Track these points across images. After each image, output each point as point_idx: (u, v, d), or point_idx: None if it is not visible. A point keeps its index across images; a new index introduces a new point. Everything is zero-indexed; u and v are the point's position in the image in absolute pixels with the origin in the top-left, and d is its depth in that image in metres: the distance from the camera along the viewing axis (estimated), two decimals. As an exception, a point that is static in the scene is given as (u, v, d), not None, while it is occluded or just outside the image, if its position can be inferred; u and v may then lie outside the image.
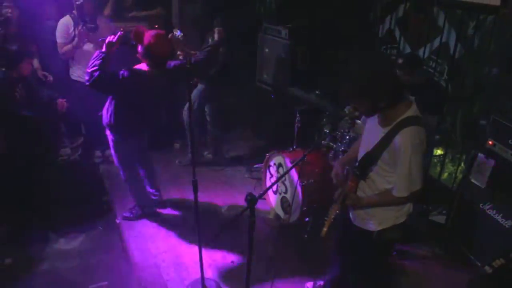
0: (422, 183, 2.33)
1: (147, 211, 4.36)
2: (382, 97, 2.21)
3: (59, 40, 4.63)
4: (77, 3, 4.44)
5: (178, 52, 4.62)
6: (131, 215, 4.33)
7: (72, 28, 4.58)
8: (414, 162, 2.25)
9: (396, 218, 2.48)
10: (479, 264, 3.30)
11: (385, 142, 2.30)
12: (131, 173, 4.15)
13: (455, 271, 3.63)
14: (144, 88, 3.57)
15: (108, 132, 3.87)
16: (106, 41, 3.46)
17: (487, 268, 2.41)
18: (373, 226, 2.51)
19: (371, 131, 2.45)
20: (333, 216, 2.49)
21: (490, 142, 3.49)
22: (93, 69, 3.36)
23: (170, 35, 4.34)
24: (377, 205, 2.47)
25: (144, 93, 3.59)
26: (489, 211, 3.45)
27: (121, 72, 3.46)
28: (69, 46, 4.61)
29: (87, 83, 3.43)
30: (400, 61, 3.81)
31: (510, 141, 3.34)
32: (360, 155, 2.49)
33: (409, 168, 2.26)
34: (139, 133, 3.95)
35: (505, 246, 3.09)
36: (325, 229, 2.48)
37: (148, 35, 3.50)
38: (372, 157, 2.38)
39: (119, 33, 3.50)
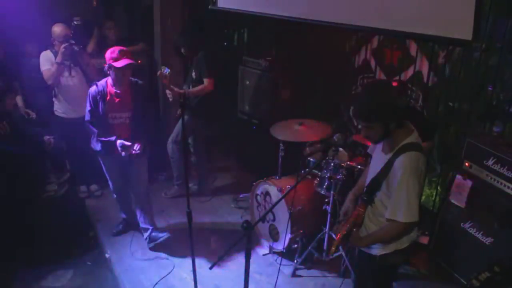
0: (419, 214, 2.41)
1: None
2: (393, 118, 2.39)
3: (43, 68, 4.65)
4: (74, 23, 4.53)
5: (167, 91, 4.77)
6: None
7: (53, 58, 4.63)
8: (411, 186, 2.35)
9: (398, 244, 2.59)
10: (464, 281, 3.43)
11: (388, 166, 2.44)
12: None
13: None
14: None
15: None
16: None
17: (474, 282, 2.53)
18: (376, 250, 2.63)
19: (377, 159, 2.61)
20: (340, 236, 2.62)
21: (467, 164, 3.68)
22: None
23: (158, 72, 4.50)
24: (378, 241, 2.60)
25: None
26: (470, 230, 3.60)
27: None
28: (52, 68, 4.62)
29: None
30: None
31: (484, 161, 3.53)
32: (367, 182, 2.65)
33: (406, 191, 2.35)
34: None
35: (488, 262, 3.23)
36: (333, 248, 2.67)
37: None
38: (377, 183, 2.52)
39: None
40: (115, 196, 4.52)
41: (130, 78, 3.99)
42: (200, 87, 4.83)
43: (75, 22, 4.53)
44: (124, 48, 3.89)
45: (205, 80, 4.80)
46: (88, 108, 3.99)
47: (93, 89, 3.95)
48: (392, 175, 2.42)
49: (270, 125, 4.40)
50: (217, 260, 2.51)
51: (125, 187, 4.41)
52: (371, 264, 2.69)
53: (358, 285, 2.97)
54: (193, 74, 4.92)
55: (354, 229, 2.66)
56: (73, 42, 4.56)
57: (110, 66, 3.82)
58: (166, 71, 4.42)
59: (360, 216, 2.65)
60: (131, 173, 4.24)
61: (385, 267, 2.67)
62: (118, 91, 3.95)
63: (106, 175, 4.34)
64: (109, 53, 3.81)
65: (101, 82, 3.97)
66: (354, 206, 2.81)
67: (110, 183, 4.40)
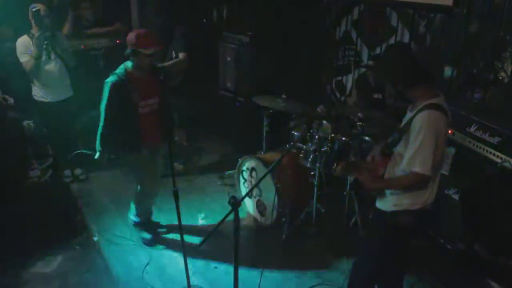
0: (430, 170, 2.42)
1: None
2: (397, 79, 2.49)
3: (22, 59, 4.54)
4: (33, 10, 4.39)
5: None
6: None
7: (31, 44, 4.51)
8: (427, 140, 2.38)
9: (410, 204, 2.58)
10: (450, 247, 3.50)
11: (409, 122, 2.49)
12: None
13: (429, 253, 3.80)
14: None
15: None
16: None
17: (460, 245, 2.58)
18: (387, 206, 2.65)
19: (405, 118, 2.66)
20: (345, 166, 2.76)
21: (450, 131, 3.71)
22: None
23: None
24: (389, 187, 2.63)
25: None
26: (454, 196, 3.65)
27: None
28: (31, 60, 4.51)
29: None
30: (371, 63, 3.99)
31: (467, 128, 3.56)
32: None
33: (421, 143, 2.39)
34: None
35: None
36: (339, 167, 2.79)
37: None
38: (398, 138, 2.59)
39: None
40: (149, 197, 4.17)
41: None
42: (174, 60, 4.75)
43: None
44: (149, 32, 3.63)
45: (180, 54, 4.72)
46: (106, 106, 3.59)
47: (114, 79, 3.55)
48: (411, 130, 2.46)
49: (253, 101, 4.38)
50: (206, 237, 2.50)
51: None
52: (381, 220, 2.70)
53: (367, 248, 2.95)
54: (173, 53, 4.84)
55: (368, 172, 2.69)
56: (43, 30, 4.45)
57: (136, 52, 3.50)
58: None
59: (380, 166, 2.68)
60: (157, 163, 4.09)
61: (394, 226, 2.65)
62: (143, 76, 3.65)
63: (140, 175, 4.02)
64: (135, 38, 3.49)
65: (120, 71, 3.61)
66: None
67: (145, 182, 4.02)
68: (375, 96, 4.38)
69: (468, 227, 3.21)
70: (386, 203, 2.67)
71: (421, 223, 2.63)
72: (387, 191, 2.65)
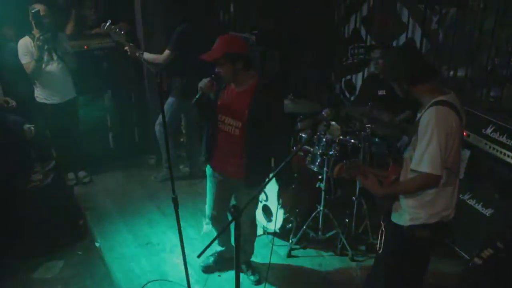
0: (440, 169, 2.26)
1: None
2: (401, 77, 2.40)
3: (23, 61, 4.48)
4: (32, 11, 4.31)
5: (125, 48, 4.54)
6: None
7: (32, 45, 4.45)
8: (436, 137, 2.23)
9: (428, 217, 2.42)
10: (465, 255, 3.33)
11: (418, 122, 2.36)
12: None
13: (444, 264, 3.61)
14: None
15: None
16: None
17: (476, 260, 2.42)
18: (404, 220, 2.48)
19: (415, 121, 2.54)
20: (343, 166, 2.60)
21: (464, 133, 3.54)
22: None
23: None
24: (396, 191, 2.51)
25: None
26: (470, 201, 3.50)
27: None
28: (32, 62, 4.45)
29: None
30: (376, 54, 3.87)
31: (483, 130, 3.40)
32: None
33: (429, 141, 2.24)
34: None
35: (488, 234, 3.14)
36: (337, 168, 2.62)
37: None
38: (409, 140, 2.48)
39: None
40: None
41: None
42: (155, 55, 4.56)
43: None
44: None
45: (166, 51, 4.52)
46: None
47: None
48: (419, 130, 2.33)
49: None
50: (204, 248, 2.39)
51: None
52: (397, 237, 2.53)
53: (381, 264, 2.78)
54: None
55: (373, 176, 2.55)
56: (44, 32, 4.38)
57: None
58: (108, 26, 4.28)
59: (390, 174, 2.57)
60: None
61: (411, 242, 2.48)
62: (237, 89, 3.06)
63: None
64: (241, 42, 3.04)
65: None
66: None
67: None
68: (380, 93, 4.22)
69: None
70: (402, 217, 2.49)
71: (441, 237, 2.47)
72: (402, 203, 2.49)
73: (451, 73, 4.37)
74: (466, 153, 3.52)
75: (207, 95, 3.03)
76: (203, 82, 2.94)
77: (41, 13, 4.32)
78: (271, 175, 3.07)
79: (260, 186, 3.12)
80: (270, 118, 2.91)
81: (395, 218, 2.55)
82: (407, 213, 2.46)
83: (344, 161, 2.60)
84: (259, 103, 2.91)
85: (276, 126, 2.96)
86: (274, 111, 2.93)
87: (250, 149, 3.00)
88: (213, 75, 2.94)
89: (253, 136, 2.96)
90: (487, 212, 3.37)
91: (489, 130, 3.36)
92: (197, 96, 2.96)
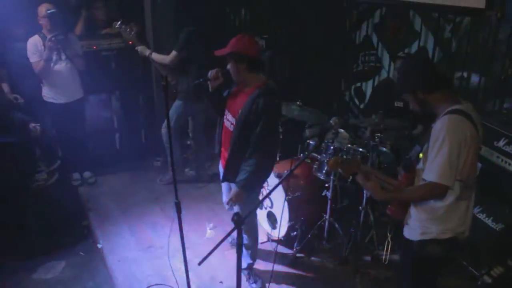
0: (450, 180, 2.20)
1: None
2: (416, 86, 2.34)
3: (32, 60, 4.48)
4: (48, 12, 4.31)
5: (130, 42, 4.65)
6: None
7: (41, 44, 4.44)
8: (447, 146, 2.18)
9: (440, 232, 2.34)
10: (475, 272, 3.23)
11: (431, 132, 2.32)
12: None
13: (451, 278, 3.54)
14: None
15: None
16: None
17: (486, 278, 2.34)
18: (415, 235, 2.42)
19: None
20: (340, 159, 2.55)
21: (478, 146, 3.47)
22: None
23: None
24: (400, 197, 2.45)
25: None
26: (479, 215, 3.41)
27: None
28: (41, 61, 4.45)
29: None
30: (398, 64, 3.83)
31: (495, 143, 3.32)
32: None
33: (439, 150, 2.19)
34: None
35: (498, 250, 3.06)
36: (331, 160, 2.57)
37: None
38: (421, 150, 2.43)
39: None
40: None
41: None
42: (163, 56, 4.58)
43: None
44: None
45: (172, 52, 4.52)
46: None
47: None
48: (431, 137, 2.28)
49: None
50: (205, 256, 2.34)
51: None
52: (408, 251, 2.48)
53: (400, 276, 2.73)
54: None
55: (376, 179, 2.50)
56: (57, 33, 4.38)
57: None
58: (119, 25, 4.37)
59: (402, 183, 2.51)
60: None
61: (421, 256, 2.42)
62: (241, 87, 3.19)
63: None
64: (250, 45, 3.04)
65: None
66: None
67: None
68: (397, 104, 4.15)
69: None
70: (413, 231, 2.42)
71: (453, 254, 2.40)
72: (413, 217, 2.42)
73: (463, 83, 4.28)
74: (477, 166, 3.43)
75: (212, 85, 3.18)
76: (212, 71, 3.09)
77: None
78: (275, 183, 3.03)
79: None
80: (257, 124, 2.96)
81: (407, 233, 2.48)
82: (418, 226, 2.39)
83: (340, 154, 2.55)
84: (251, 105, 2.97)
85: (258, 134, 2.98)
86: (264, 118, 2.96)
87: (233, 145, 3.11)
88: (222, 69, 3.08)
89: (240, 134, 3.05)
90: (498, 227, 3.28)
91: (501, 143, 3.27)
92: (200, 80, 3.16)
